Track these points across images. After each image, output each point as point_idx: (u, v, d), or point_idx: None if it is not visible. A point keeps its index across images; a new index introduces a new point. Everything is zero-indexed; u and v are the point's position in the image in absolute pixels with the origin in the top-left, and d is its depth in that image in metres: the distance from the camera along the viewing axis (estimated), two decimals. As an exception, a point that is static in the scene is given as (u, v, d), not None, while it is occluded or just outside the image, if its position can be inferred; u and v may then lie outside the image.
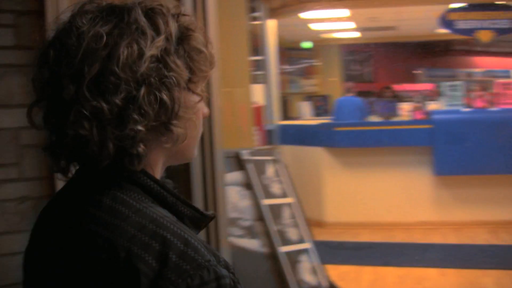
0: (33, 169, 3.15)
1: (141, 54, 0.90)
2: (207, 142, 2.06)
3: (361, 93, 7.80)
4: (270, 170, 3.60)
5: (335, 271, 4.22)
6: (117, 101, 0.89)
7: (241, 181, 3.48)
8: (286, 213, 3.50)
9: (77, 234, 0.92)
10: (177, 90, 0.93)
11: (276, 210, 3.47)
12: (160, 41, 0.92)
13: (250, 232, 3.35)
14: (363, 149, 5.85)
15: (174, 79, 0.92)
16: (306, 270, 3.35)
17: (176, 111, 0.92)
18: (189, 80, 0.96)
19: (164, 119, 0.92)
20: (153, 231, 0.89)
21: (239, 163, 3.52)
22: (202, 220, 1.02)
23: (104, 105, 0.88)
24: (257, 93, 6.02)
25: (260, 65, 6.11)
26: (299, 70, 9.77)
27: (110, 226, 0.90)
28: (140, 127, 0.89)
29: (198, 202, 2.11)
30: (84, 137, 0.89)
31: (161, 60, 0.92)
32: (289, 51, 9.29)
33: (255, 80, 6.46)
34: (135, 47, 0.90)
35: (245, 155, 3.53)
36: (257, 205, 3.43)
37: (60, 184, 2.97)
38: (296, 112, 8.66)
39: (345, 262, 4.62)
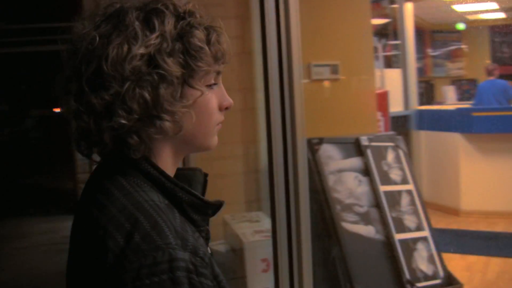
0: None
1: (129, 53, 0.99)
2: (288, 131, 2.07)
3: (505, 76, 7.33)
4: (390, 156, 3.53)
5: (463, 261, 4.05)
6: (107, 96, 0.99)
7: (359, 167, 3.44)
8: (404, 200, 3.41)
9: (82, 213, 1.05)
10: (164, 86, 1.01)
11: (394, 196, 3.40)
12: (152, 39, 1.00)
13: (365, 218, 3.30)
14: (502, 135, 5.52)
15: (160, 76, 1.00)
16: (422, 258, 3.25)
17: (161, 106, 1.01)
18: (189, 76, 1.04)
19: (149, 113, 1.01)
20: (130, 213, 0.97)
21: (359, 149, 3.48)
22: (205, 206, 1.09)
23: (96, 100, 0.99)
24: (394, 78, 5.91)
25: (398, 49, 5.98)
26: (445, 53, 9.38)
27: (100, 207, 1.00)
28: (123, 121, 0.99)
29: (280, 191, 2.12)
30: (85, 128, 1.01)
31: (152, 58, 1.00)
32: (433, 34, 8.95)
33: (391, 64, 6.33)
34: (125, 47, 0.99)
35: (365, 141, 3.48)
36: (374, 191, 3.37)
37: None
38: (441, 97, 8.33)
39: (475, 252, 4.41)
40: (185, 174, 1.22)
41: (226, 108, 1.14)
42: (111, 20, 1.03)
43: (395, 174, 3.49)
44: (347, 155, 3.46)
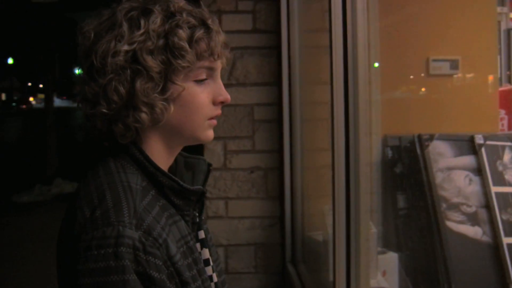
0: (264, 142, 3.47)
1: (114, 49, 1.14)
2: (351, 127, 2.09)
3: None
4: (507, 157, 3.33)
5: None
6: (96, 87, 1.15)
7: (471, 166, 3.29)
8: (518, 203, 3.21)
9: (76, 190, 1.21)
10: (141, 80, 1.14)
11: (506, 198, 3.21)
12: (136, 37, 1.14)
13: (473, 219, 3.16)
14: None
15: (138, 71, 1.14)
16: (530, 266, 3.05)
17: (137, 98, 1.15)
18: (172, 72, 1.17)
19: (126, 104, 1.16)
20: (102, 190, 1.13)
21: (472, 147, 3.33)
22: (184, 192, 1.22)
23: (88, 89, 1.17)
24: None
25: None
26: None
27: (86, 183, 1.18)
28: (104, 110, 1.15)
29: (340, 189, 2.14)
30: (84, 113, 1.20)
31: (134, 54, 1.14)
32: None
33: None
34: (112, 43, 1.14)
35: (480, 139, 3.32)
36: (485, 192, 3.21)
37: (287, 157, 3.23)
38: None
39: None
40: (190, 162, 1.38)
41: (222, 103, 1.27)
42: (107, 19, 1.18)
43: (510, 175, 3.29)
44: (459, 153, 3.32)
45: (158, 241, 1.10)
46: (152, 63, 1.14)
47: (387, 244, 3.07)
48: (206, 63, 1.20)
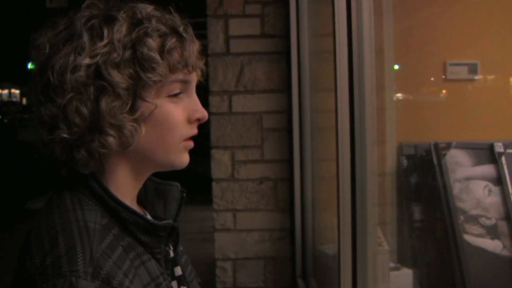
0: (273, 152, 3.35)
1: (73, 63, 0.98)
2: (357, 135, 1.97)
3: None
4: (529, 165, 3.17)
5: None
6: (53, 109, 0.99)
7: (490, 176, 3.14)
8: (541, 215, 3.04)
9: (28, 231, 1.05)
10: (107, 99, 0.98)
11: (529, 210, 3.05)
12: (98, 49, 0.98)
13: (492, 232, 3.01)
14: None
15: (102, 88, 0.98)
16: (555, 282, 2.88)
17: (102, 120, 0.98)
18: (141, 87, 1.00)
19: (90, 127, 0.99)
20: (55, 233, 0.97)
21: (492, 156, 3.17)
22: (152, 228, 1.06)
23: (44, 112, 1.00)
24: None
25: None
26: None
27: (38, 222, 1.02)
28: (64, 134, 0.99)
29: (345, 198, 2.02)
30: (41, 140, 1.03)
31: (97, 69, 0.98)
32: None
33: None
34: (71, 57, 0.98)
35: (500, 147, 3.17)
36: (506, 203, 3.05)
37: (297, 167, 3.13)
38: None
39: None
40: (161, 189, 1.20)
41: (198, 120, 1.10)
42: (65, 29, 1.02)
43: (533, 185, 3.13)
44: (478, 162, 3.17)
45: None
46: (119, 78, 0.98)
47: (401, 259, 2.93)
48: (180, 76, 1.05)
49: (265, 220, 3.33)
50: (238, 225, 3.34)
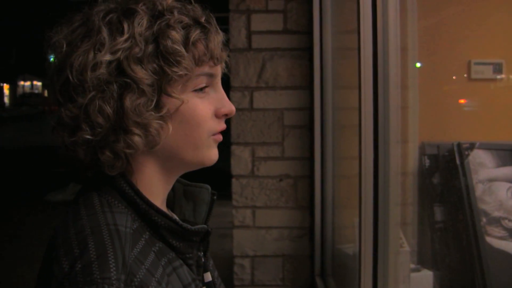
0: (294, 149, 3.32)
1: (94, 61, 0.93)
2: (381, 134, 1.94)
3: None
4: (555, 167, 3.11)
5: None
6: (74, 109, 0.94)
7: (515, 177, 3.09)
8: None
9: (53, 232, 1.00)
10: (131, 96, 0.94)
11: (554, 213, 2.99)
12: (119, 44, 0.94)
13: (515, 235, 2.96)
14: None
15: (126, 85, 0.94)
16: None
17: (127, 119, 0.94)
18: (166, 82, 0.96)
19: (114, 127, 0.94)
20: (84, 237, 0.91)
21: (517, 157, 3.12)
22: (185, 233, 1.02)
23: (65, 113, 0.95)
24: None
25: None
26: None
27: (64, 225, 0.96)
28: (87, 136, 0.94)
29: (368, 198, 1.99)
30: (61, 142, 0.98)
31: (119, 65, 0.94)
32: None
33: None
34: (90, 54, 0.93)
35: (525, 148, 3.12)
36: (529, 205, 3.00)
37: (318, 165, 3.09)
38: None
39: None
40: (190, 191, 1.16)
41: (226, 115, 1.06)
42: (82, 25, 0.98)
43: (559, 187, 3.07)
44: (501, 163, 3.12)
45: None
46: (142, 73, 0.93)
47: (421, 260, 2.89)
48: (205, 69, 1.00)
49: (285, 217, 3.31)
50: (257, 222, 3.32)
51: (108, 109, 0.93)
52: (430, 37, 3.02)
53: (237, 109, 3.28)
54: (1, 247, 6.26)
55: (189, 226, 1.02)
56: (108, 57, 0.93)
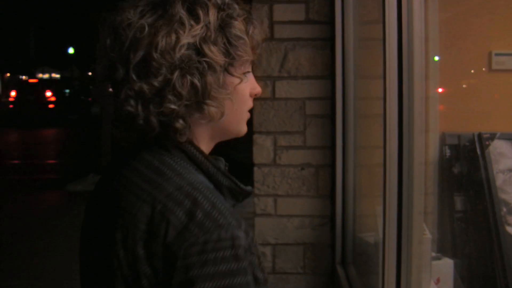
0: (316, 138, 3.35)
1: (177, 42, 1.08)
2: (405, 124, 1.96)
3: None
4: None
5: None
6: (156, 83, 1.08)
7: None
8: None
9: (127, 186, 1.14)
10: (210, 74, 1.11)
11: None
12: (198, 29, 1.10)
13: (536, 225, 2.97)
14: None
15: (207, 64, 1.10)
16: None
17: (208, 93, 1.11)
18: (230, 64, 1.14)
19: (197, 99, 1.11)
20: (188, 192, 1.07)
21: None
22: (240, 192, 1.20)
23: (145, 86, 1.09)
24: None
25: None
26: None
27: (154, 183, 1.10)
28: (173, 106, 1.09)
29: (392, 187, 2.01)
30: (132, 113, 1.11)
31: (197, 47, 1.10)
32: None
33: None
34: (173, 36, 1.08)
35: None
36: (551, 195, 3.01)
37: (339, 154, 3.12)
38: None
39: None
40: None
41: (255, 95, 1.26)
42: (157, 10, 1.12)
43: None
44: (523, 153, 3.13)
45: (253, 240, 1.09)
46: (218, 55, 1.11)
47: (441, 249, 2.92)
48: (253, 56, 1.21)
49: (306, 206, 3.34)
50: (278, 211, 3.35)
51: (196, 82, 1.09)
52: (450, 28, 3.03)
53: (259, 99, 3.31)
54: (24, 239, 6.35)
55: (244, 187, 1.20)
56: (189, 39, 1.09)
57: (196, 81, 1.09)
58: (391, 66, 2.04)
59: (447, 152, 3.06)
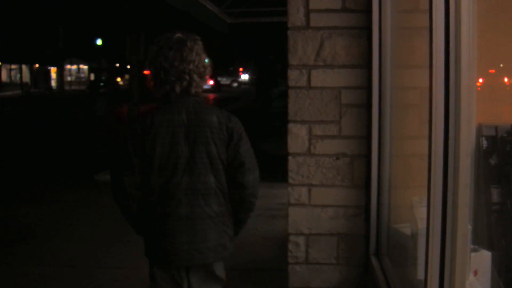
0: (351, 128, 3.32)
1: (203, 60, 2.70)
2: (451, 115, 1.93)
3: None
4: None
5: None
6: (195, 75, 2.71)
7: None
8: None
9: (198, 111, 2.66)
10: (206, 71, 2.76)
11: None
12: (203, 54, 2.73)
13: None
14: None
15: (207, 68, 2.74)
16: None
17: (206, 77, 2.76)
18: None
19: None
20: (224, 112, 2.73)
21: None
22: None
23: (201, 81, 2.74)
24: None
25: None
26: None
27: (210, 109, 2.70)
28: (197, 78, 2.71)
29: (437, 180, 1.99)
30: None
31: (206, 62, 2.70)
32: None
33: None
34: (204, 56, 2.72)
35: None
36: None
37: (375, 144, 3.06)
38: None
39: None
40: None
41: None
42: (197, 45, 2.80)
43: None
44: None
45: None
46: (207, 66, 2.82)
47: (479, 241, 2.88)
48: None
49: (340, 196, 3.32)
50: (312, 201, 3.33)
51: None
52: (489, 17, 2.98)
53: (295, 87, 3.29)
54: (53, 227, 6.39)
55: None
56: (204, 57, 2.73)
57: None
58: (438, 56, 2.01)
59: (484, 143, 3.01)
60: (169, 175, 2.55)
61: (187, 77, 2.58)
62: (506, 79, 3.23)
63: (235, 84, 61.39)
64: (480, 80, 2.92)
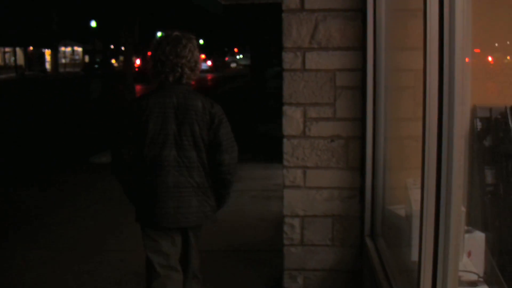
0: (345, 110, 3.33)
1: (196, 56, 3.11)
2: (445, 97, 1.94)
3: None
4: None
5: None
6: (197, 66, 3.15)
7: None
8: None
9: (187, 97, 3.04)
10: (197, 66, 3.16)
11: None
12: (196, 51, 3.16)
13: None
14: None
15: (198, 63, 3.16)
16: None
17: (196, 71, 3.14)
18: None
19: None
20: (208, 99, 3.09)
21: None
22: None
23: (191, 69, 3.10)
24: None
25: None
26: None
27: (196, 95, 3.07)
28: (188, 71, 3.07)
29: (431, 161, 2.00)
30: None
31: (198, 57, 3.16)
32: None
33: None
34: (195, 53, 3.10)
35: None
36: None
37: (370, 126, 3.07)
38: None
39: None
40: None
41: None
42: (192, 43, 3.26)
43: None
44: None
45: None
46: (199, 60, 3.24)
47: (472, 222, 2.90)
48: None
49: (335, 178, 3.33)
50: (307, 183, 3.35)
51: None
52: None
53: (289, 70, 3.29)
54: (50, 210, 6.40)
55: None
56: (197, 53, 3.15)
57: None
58: (432, 38, 2.01)
59: (478, 125, 3.02)
60: (160, 149, 2.99)
61: (179, 69, 3.01)
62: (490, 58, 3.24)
63: (234, 65, 61.09)
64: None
